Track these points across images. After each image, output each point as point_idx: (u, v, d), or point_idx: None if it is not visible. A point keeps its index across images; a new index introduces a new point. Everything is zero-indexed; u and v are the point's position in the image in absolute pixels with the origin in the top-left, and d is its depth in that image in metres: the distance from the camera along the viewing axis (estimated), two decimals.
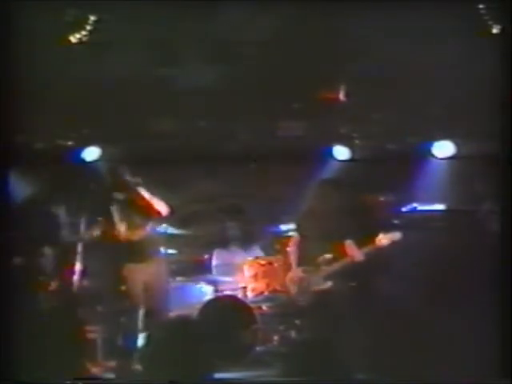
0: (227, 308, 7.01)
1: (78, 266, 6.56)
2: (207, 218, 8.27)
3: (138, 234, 6.73)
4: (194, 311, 6.84)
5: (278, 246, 7.77)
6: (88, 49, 5.78)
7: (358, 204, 6.85)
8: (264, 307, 7.29)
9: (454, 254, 6.82)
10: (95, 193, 6.80)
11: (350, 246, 6.38)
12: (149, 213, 6.68)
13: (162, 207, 6.70)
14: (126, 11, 5.27)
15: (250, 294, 7.39)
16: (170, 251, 7.56)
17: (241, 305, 7.15)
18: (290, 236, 7.46)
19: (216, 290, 7.47)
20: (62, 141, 7.88)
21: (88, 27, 5.51)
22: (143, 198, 6.61)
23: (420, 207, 7.04)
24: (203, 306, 6.99)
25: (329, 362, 3.45)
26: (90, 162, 7.90)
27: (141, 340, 6.41)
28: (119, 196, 6.66)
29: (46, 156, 7.56)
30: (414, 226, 6.79)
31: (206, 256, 7.91)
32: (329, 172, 8.07)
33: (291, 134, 7.89)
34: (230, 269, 7.66)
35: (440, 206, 7.41)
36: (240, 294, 7.39)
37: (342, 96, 6.98)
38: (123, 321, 6.78)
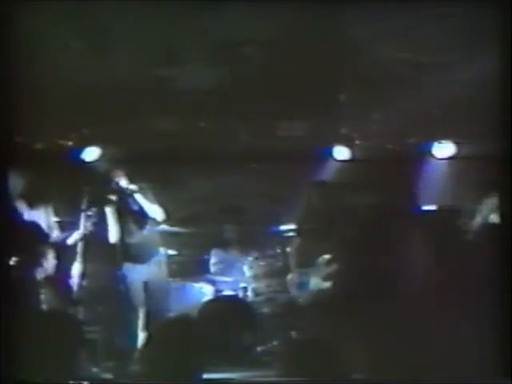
0: (227, 308, 7.01)
1: (77, 266, 6.57)
2: (207, 217, 8.27)
3: (136, 236, 6.75)
4: (193, 311, 6.85)
5: (277, 247, 7.78)
6: (88, 49, 5.79)
7: (358, 204, 6.85)
8: (264, 307, 7.29)
9: (453, 254, 6.82)
10: (94, 193, 6.81)
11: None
12: (144, 218, 6.72)
13: (157, 214, 6.73)
14: (126, 11, 5.26)
15: (250, 295, 7.40)
16: (170, 251, 7.57)
17: (241, 305, 7.15)
18: (290, 236, 7.47)
19: (216, 291, 7.47)
20: (62, 141, 7.89)
21: (88, 27, 5.51)
22: (139, 205, 6.65)
23: (420, 207, 7.03)
24: (203, 306, 6.99)
25: (328, 362, 3.45)
26: (90, 162, 7.91)
27: (140, 340, 6.42)
28: (118, 197, 6.68)
29: (46, 156, 7.56)
30: (413, 226, 6.78)
31: (206, 256, 7.92)
32: (329, 172, 8.07)
33: (291, 133, 7.89)
34: (230, 269, 7.67)
35: (440, 206, 7.40)
36: (240, 295, 7.40)
37: (342, 96, 6.98)
38: (123, 321, 6.79)
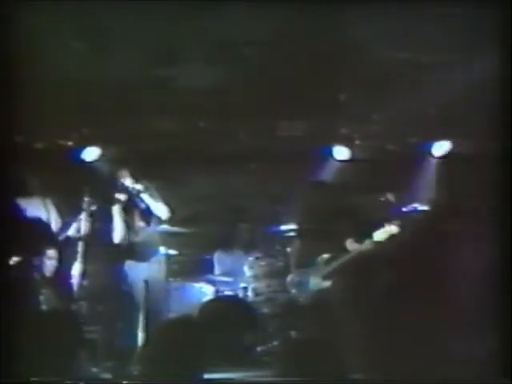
0: (227, 308, 7.01)
1: (77, 266, 6.56)
2: (207, 217, 8.27)
3: (136, 235, 6.75)
4: (194, 311, 6.84)
5: (278, 246, 7.77)
6: (88, 48, 5.79)
7: (358, 204, 6.85)
8: (264, 307, 7.29)
9: (453, 254, 6.82)
10: (95, 193, 6.81)
11: (350, 245, 6.39)
12: (148, 216, 6.72)
13: (161, 212, 6.73)
14: (126, 11, 5.27)
15: (250, 295, 7.40)
16: (171, 251, 7.56)
17: (241, 305, 7.15)
18: (290, 236, 7.46)
19: (216, 290, 7.47)
20: (62, 141, 7.89)
21: (88, 27, 5.51)
22: (140, 204, 6.65)
23: (420, 207, 7.03)
24: (203, 306, 6.99)
25: (328, 362, 3.45)
26: (90, 162, 7.91)
27: (140, 340, 6.41)
28: (118, 197, 6.68)
29: (46, 156, 7.56)
30: (413, 226, 6.79)
31: (207, 256, 7.91)
32: (329, 172, 8.07)
33: (291, 134, 7.89)
34: (231, 269, 7.67)
35: (440, 206, 7.40)
36: (240, 295, 7.39)
37: (342, 96, 6.98)
38: (123, 321, 6.78)
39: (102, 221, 6.78)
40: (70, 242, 6.75)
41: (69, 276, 6.54)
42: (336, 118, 7.62)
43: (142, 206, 6.72)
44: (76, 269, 6.57)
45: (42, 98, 6.15)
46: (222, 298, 7.36)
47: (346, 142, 8.14)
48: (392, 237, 6.17)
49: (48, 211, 6.62)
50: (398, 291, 6.48)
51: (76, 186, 6.97)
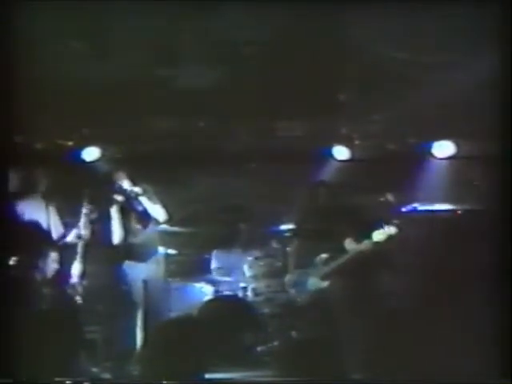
0: (227, 308, 7.01)
1: (77, 266, 6.56)
2: (207, 217, 8.27)
3: (136, 235, 6.75)
4: (194, 311, 6.85)
5: (277, 246, 7.77)
6: (88, 48, 5.79)
7: (358, 204, 6.86)
8: (264, 307, 7.29)
9: (453, 254, 6.82)
10: (95, 193, 6.81)
11: (348, 245, 6.40)
12: (147, 219, 6.73)
13: (159, 215, 6.73)
14: (126, 11, 5.27)
15: (249, 295, 7.40)
16: (170, 251, 7.56)
17: (241, 305, 7.15)
18: (290, 236, 7.46)
19: (216, 290, 7.47)
20: (62, 141, 7.88)
21: (88, 27, 5.51)
22: (139, 205, 6.66)
23: (420, 207, 7.04)
24: (203, 306, 6.99)
25: (328, 362, 3.46)
26: (90, 162, 7.91)
27: (140, 340, 6.42)
28: (118, 197, 6.69)
29: (46, 156, 7.56)
30: (413, 226, 6.79)
31: (206, 256, 7.91)
32: (329, 172, 8.07)
33: (291, 133, 7.89)
34: (230, 269, 7.67)
35: (440, 206, 7.41)
36: (240, 295, 7.39)
37: (342, 96, 6.98)
38: (123, 321, 6.78)
39: (101, 221, 6.77)
40: (70, 242, 6.76)
41: (68, 276, 6.54)
42: (336, 118, 7.62)
43: (141, 207, 6.73)
44: (76, 269, 6.56)
45: (42, 98, 6.14)
46: (222, 298, 7.36)
47: (346, 142, 8.14)
48: (391, 237, 6.17)
49: (48, 211, 6.63)
50: (397, 291, 6.49)
51: (76, 186, 6.97)
